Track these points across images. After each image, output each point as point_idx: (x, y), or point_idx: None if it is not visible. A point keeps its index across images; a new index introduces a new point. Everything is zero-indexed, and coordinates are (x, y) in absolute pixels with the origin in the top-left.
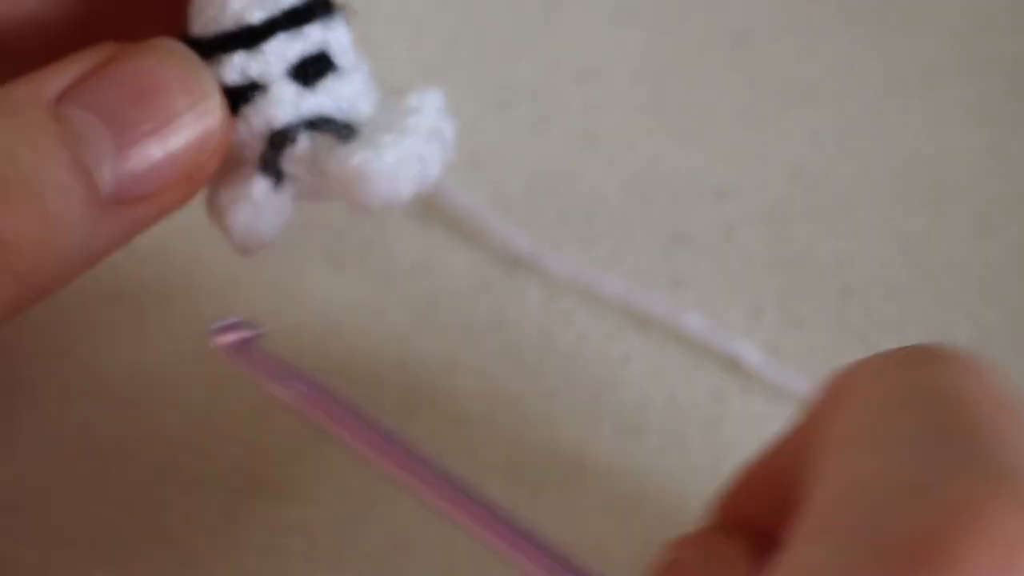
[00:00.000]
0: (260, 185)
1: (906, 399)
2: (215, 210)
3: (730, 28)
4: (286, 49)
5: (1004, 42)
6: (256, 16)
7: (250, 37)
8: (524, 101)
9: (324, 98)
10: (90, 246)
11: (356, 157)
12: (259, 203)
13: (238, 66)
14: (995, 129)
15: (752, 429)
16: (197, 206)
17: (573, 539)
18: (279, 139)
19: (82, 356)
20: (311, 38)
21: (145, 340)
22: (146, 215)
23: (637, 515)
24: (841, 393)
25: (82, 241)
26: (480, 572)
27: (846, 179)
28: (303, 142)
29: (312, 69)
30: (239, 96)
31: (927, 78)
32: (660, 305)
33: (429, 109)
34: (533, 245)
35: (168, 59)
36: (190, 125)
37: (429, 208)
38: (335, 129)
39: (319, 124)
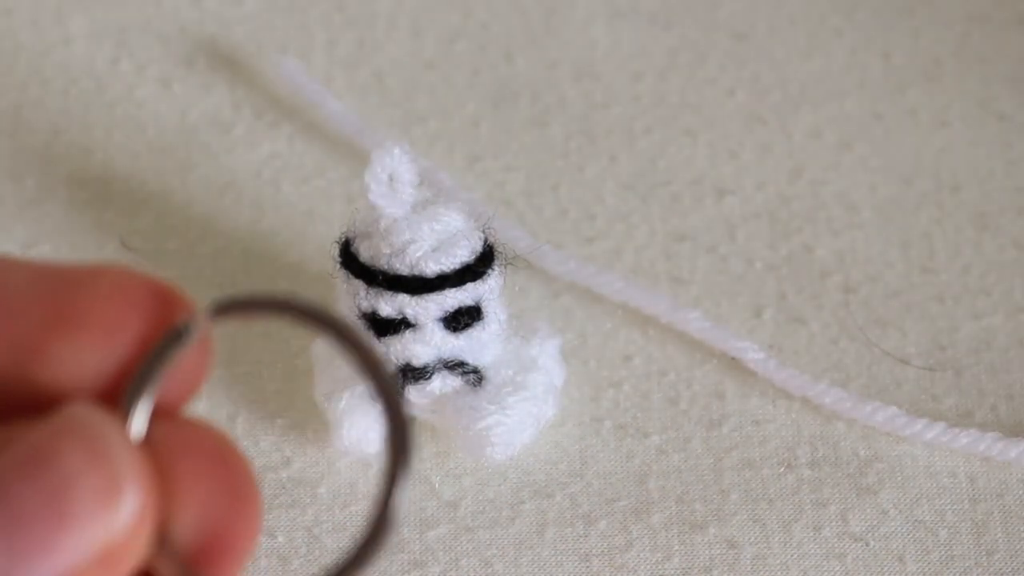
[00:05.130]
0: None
1: None
2: (330, 410)
3: (730, 27)
4: (447, 299)
5: (1006, 39)
6: (431, 269)
7: (419, 286)
8: (524, 99)
9: (464, 342)
10: None
11: (482, 422)
12: (376, 419)
13: (398, 305)
14: (997, 127)
15: (753, 428)
16: None
17: (574, 539)
18: (415, 373)
19: None
20: (471, 292)
21: None
22: None
23: (638, 514)
24: None
25: None
26: None
27: (847, 178)
28: (435, 381)
29: (464, 320)
30: (387, 325)
31: (929, 75)
32: (661, 304)
33: (547, 360)
34: (533, 243)
35: (67, 429)
36: (94, 503)
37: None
38: (466, 372)
39: (453, 366)
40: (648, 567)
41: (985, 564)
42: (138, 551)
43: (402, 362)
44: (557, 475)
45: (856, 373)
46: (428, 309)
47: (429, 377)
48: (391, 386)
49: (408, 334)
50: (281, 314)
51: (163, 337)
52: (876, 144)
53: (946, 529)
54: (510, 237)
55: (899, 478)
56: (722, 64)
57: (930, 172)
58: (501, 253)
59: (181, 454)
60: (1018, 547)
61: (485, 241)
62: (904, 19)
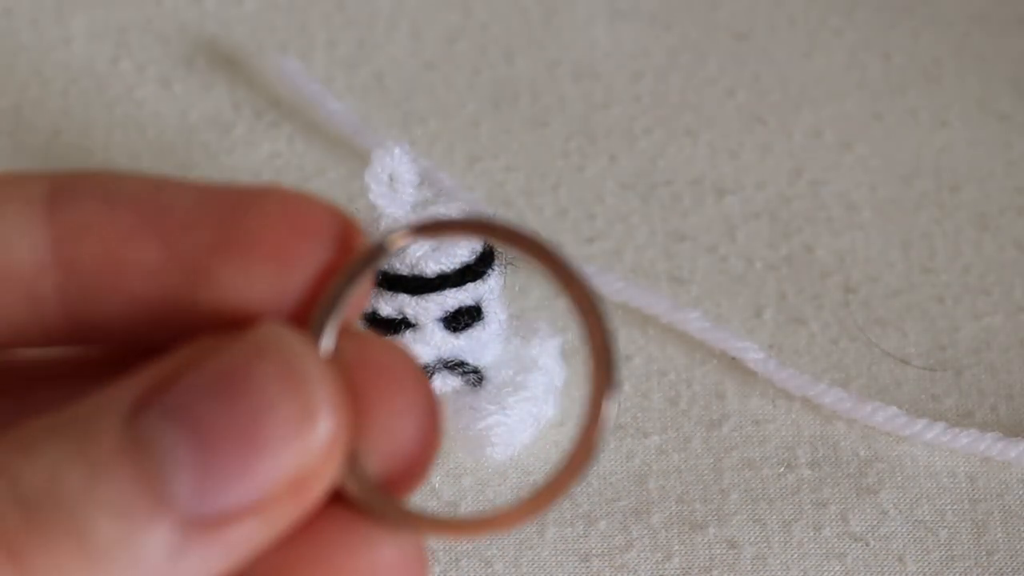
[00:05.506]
0: None
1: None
2: None
3: (730, 27)
4: (447, 299)
5: (1006, 39)
6: (430, 269)
7: (419, 286)
8: (524, 99)
9: (464, 342)
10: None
11: (483, 422)
12: None
13: (398, 305)
14: (997, 126)
15: (753, 428)
16: None
17: (574, 539)
18: None
19: None
20: (472, 292)
21: None
22: (243, 540)
23: (638, 514)
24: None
25: (142, 568)
26: None
27: (847, 177)
28: (435, 381)
29: (464, 320)
30: (387, 325)
31: (929, 75)
32: (661, 304)
33: (547, 360)
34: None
35: (264, 351)
36: (290, 428)
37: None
38: (466, 372)
39: (453, 366)
40: (648, 567)
41: (985, 564)
42: (330, 475)
43: None
44: None
45: (856, 373)
46: (428, 309)
47: (429, 377)
48: (594, 301)
49: (408, 334)
50: (477, 233)
51: (359, 257)
52: (876, 144)
53: (946, 529)
54: None
55: (899, 478)
56: (722, 64)
57: (930, 172)
58: (501, 253)
59: (368, 372)
60: (1018, 547)
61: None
62: (904, 19)
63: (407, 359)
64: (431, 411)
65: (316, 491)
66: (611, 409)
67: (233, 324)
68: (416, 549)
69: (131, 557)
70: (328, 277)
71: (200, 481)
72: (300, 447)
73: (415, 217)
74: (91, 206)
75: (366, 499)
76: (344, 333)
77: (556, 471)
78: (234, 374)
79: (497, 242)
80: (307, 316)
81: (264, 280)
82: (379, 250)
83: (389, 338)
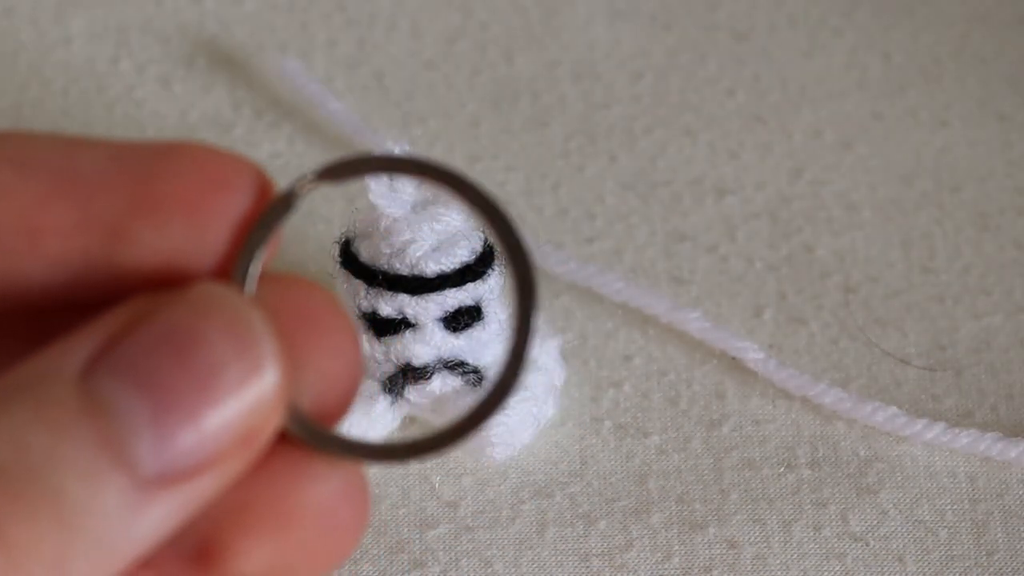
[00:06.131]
0: (382, 404)
1: None
2: None
3: (730, 27)
4: (447, 299)
5: (1006, 39)
6: (430, 269)
7: (419, 286)
8: (524, 99)
9: (464, 342)
10: (132, 537)
11: None
12: (376, 418)
13: (398, 305)
14: (997, 126)
15: (753, 428)
16: None
17: (574, 539)
18: (415, 373)
19: None
20: (471, 292)
21: None
22: (199, 492)
23: (638, 514)
24: None
25: (120, 534)
26: None
27: (847, 177)
28: (435, 381)
29: (464, 320)
30: (387, 325)
31: (929, 75)
32: (661, 304)
33: (547, 360)
34: (534, 243)
35: (209, 309)
36: (240, 384)
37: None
38: (466, 372)
39: (453, 366)
40: (648, 567)
41: (985, 564)
42: (276, 423)
43: (402, 362)
44: (557, 475)
45: (856, 373)
46: (428, 309)
47: (429, 377)
48: (511, 228)
49: (408, 334)
50: (387, 170)
51: (270, 207)
52: (876, 144)
53: (946, 529)
54: None
55: (899, 478)
56: (722, 64)
57: (930, 172)
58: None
59: (292, 316)
60: (1018, 547)
61: (485, 241)
62: (904, 19)
63: (327, 298)
64: (353, 344)
65: (264, 439)
66: (535, 326)
67: (160, 282)
68: (358, 478)
69: (98, 517)
70: (244, 228)
71: (157, 439)
72: (250, 400)
73: (323, 162)
74: (2, 172)
75: (306, 436)
76: (263, 279)
77: (486, 393)
78: (182, 332)
79: (409, 176)
80: (228, 267)
81: (182, 236)
82: (290, 196)
83: (388, 338)
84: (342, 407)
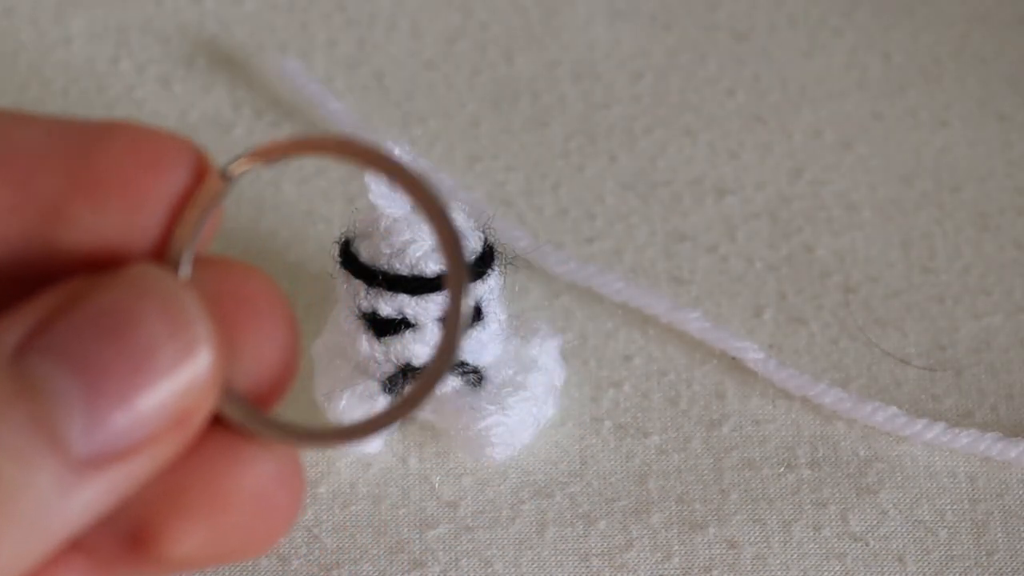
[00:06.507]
0: (382, 404)
1: None
2: (330, 410)
3: (730, 27)
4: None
5: (1006, 39)
6: (430, 269)
7: (419, 286)
8: (524, 99)
9: (463, 342)
10: (64, 517)
11: (483, 422)
12: None
13: (398, 305)
14: (997, 127)
15: (753, 428)
16: None
17: (574, 539)
18: (415, 373)
19: None
20: (472, 292)
21: None
22: (132, 473)
23: (638, 514)
24: None
25: (52, 514)
26: None
27: (847, 177)
28: None
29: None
30: (387, 325)
31: (929, 75)
32: (661, 304)
33: (547, 360)
34: (533, 243)
35: (144, 290)
36: (174, 366)
37: None
38: (466, 372)
39: (453, 366)
40: (648, 567)
41: (985, 564)
42: (210, 405)
43: (402, 362)
44: (557, 475)
45: (856, 373)
46: (428, 309)
47: None
48: (437, 202)
49: (408, 334)
50: (314, 151)
51: (204, 188)
52: (876, 144)
53: (946, 529)
54: (510, 237)
55: (899, 478)
56: (722, 64)
57: (930, 172)
58: (501, 253)
59: (229, 298)
60: (1018, 547)
61: (485, 241)
62: (904, 19)
63: (264, 282)
64: (290, 329)
65: (198, 421)
66: (467, 306)
67: (98, 262)
68: (292, 462)
69: (30, 498)
70: (180, 209)
71: (90, 420)
72: (184, 382)
73: (257, 144)
74: None
75: (241, 419)
76: (199, 261)
77: (421, 377)
78: (116, 314)
79: (335, 157)
80: (165, 248)
81: (119, 216)
82: (225, 177)
83: (388, 339)
84: (278, 391)
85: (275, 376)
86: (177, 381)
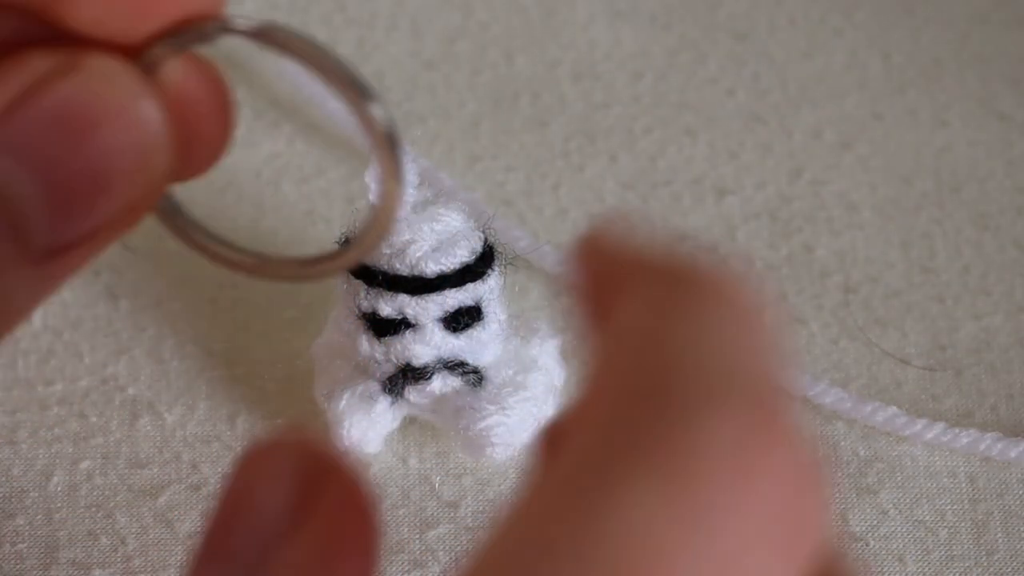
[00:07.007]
0: (382, 404)
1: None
2: (330, 410)
3: (730, 27)
4: (447, 299)
5: (1006, 39)
6: (430, 269)
7: (419, 286)
8: (524, 99)
9: (464, 342)
10: (16, 305)
11: (483, 422)
12: (376, 419)
13: (398, 305)
14: (997, 126)
15: None
16: None
17: None
18: (415, 373)
19: None
20: (471, 292)
21: None
22: (82, 258)
23: None
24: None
25: (12, 304)
26: None
27: (847, 177)
28: (435, 381)
29: (464, 320)
30: (387, 325)
31: (929, 75)
32: None
33: (547, 360)
34: (533, 243)
35: (105, 86)
36: (128, 157)
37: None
38: (466, 372)
39: (453, 366)
40: None
41: (985, 564)
42: (159, 195)
43: (402, 362)
44: None
45: (856, 373)
46: (428, 309)
47: (429, 377)
48: (363, 89)
49: (408, 334)
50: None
51: (196, 24)
52: (876, 144)
53: (946, 529)
54: (510, 237)
55: (899, 478)
56: (722, 64)
57: (930, 172)
58: (501, 253)
59: (188, 102)
60: (1018, 547)
61: (485, 241)
62: (904, 19)
63: (212, 75)
64: (228, 117)
65: (143, 213)
66: (404, 159)
67: (67, 43)
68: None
69: (1, 297)
70: (172, 29)
71: (52, 220)
72: (139, 181)
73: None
74: None
75: (174, 224)
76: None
77: (361, 233)
78: (74, 111)
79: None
80: (140, 51)
81: (123, 13)
82: (219, 25)
83: (388, 338)
84: (213, 151)
85: (206, 156)
86: (134, 179)
